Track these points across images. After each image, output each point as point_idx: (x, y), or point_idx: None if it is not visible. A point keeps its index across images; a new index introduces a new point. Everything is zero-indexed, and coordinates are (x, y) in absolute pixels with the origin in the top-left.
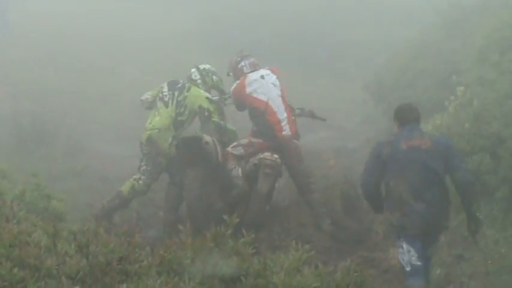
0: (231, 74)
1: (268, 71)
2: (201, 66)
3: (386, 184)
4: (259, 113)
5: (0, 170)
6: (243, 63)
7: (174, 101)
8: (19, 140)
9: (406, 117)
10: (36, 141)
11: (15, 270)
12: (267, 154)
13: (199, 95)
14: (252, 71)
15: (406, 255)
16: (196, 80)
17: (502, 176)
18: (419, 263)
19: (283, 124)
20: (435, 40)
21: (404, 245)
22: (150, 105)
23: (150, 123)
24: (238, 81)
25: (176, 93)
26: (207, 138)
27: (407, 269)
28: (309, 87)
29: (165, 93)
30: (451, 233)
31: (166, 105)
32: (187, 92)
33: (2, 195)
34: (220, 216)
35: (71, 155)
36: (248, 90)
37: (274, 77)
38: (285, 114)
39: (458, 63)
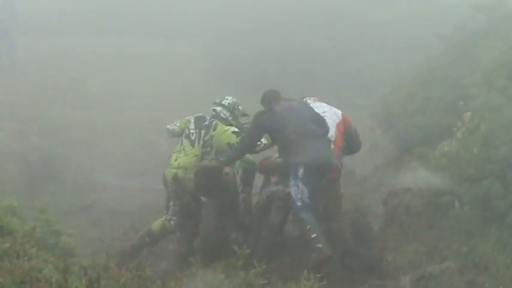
0: None
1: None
2: (225, 102)
3: (290, 140)
4: None
5: (10, 206)
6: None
7: (201, 141)
8: (28, 176)
9: (274, 97)
10: (45, 177)
11: None
12: (280, 187)
13: (225, 132)
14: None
15: (300, 193)
16: (226, 118)
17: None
18: (309, 201)
19: None
20: (441, 66)
21: (300, 185)
22: (176, 136)
23: (175, 161)
24: None
25: (203, 132)
26: (227, 168)
27: (299, 203)
28: None
29: (191, 131)
30: (462, 258)
31: (192, 144)
32: (214, 130)
33: (13, 233)
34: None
35: (80, 189)
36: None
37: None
38: None
39: (466, 88)
